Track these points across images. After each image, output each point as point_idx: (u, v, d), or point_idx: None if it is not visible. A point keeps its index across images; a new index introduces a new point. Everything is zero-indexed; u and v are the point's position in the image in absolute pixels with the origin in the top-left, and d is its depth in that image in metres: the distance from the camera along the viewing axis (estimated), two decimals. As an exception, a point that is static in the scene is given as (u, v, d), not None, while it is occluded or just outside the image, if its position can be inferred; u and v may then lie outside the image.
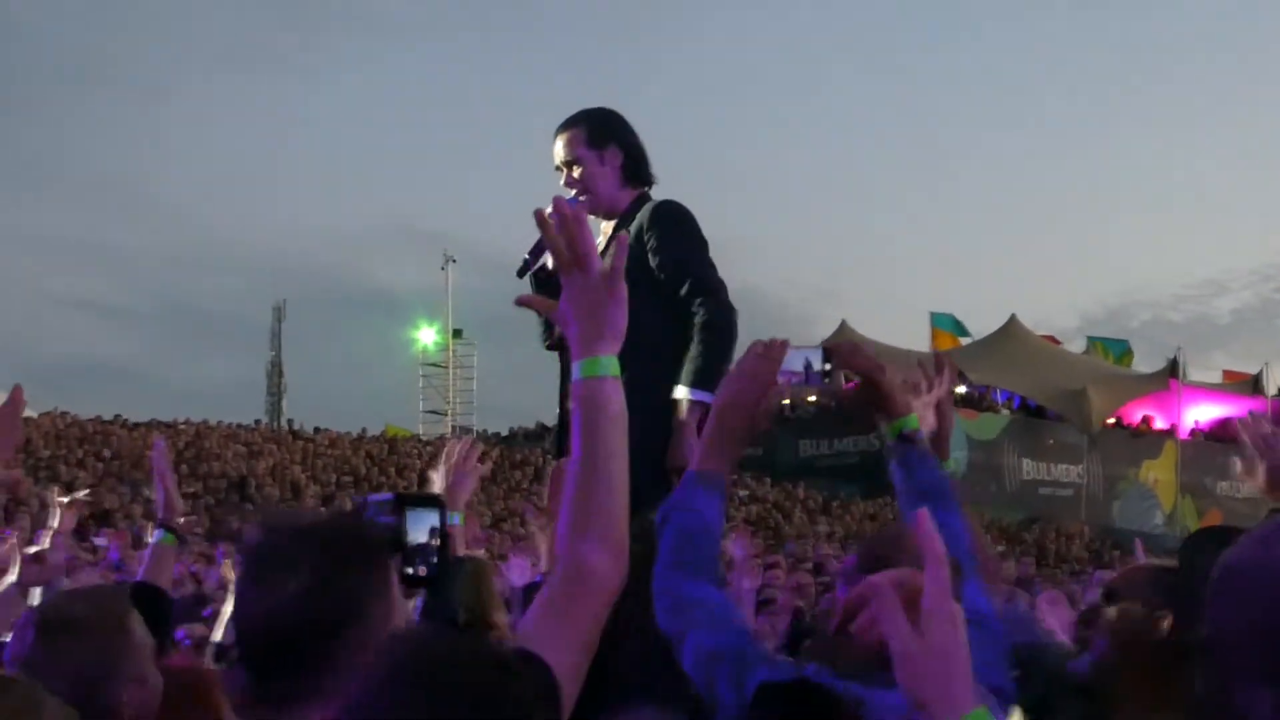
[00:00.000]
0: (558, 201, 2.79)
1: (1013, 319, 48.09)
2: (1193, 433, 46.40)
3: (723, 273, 5.07)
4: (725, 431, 3.41)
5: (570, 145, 5.16)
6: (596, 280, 2.70)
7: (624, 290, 2.72)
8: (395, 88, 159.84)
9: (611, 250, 2.74)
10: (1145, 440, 45.58)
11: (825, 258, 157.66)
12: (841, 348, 3.66)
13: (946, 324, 49.60)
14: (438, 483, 4.73)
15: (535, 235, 5.12)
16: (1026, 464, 42.03)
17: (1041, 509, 39.88)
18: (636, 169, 5.18)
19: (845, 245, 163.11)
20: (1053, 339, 52.25)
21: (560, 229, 2.71)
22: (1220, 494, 45.44)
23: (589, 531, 2.58)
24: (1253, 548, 1.94)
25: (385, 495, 3.14)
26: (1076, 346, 53.81)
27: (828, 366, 3.59)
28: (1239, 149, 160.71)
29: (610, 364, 2.69)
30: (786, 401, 3.50)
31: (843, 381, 3.66)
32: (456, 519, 4.54)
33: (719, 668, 3.10)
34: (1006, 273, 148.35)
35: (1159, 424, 46.07)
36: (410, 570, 2.98)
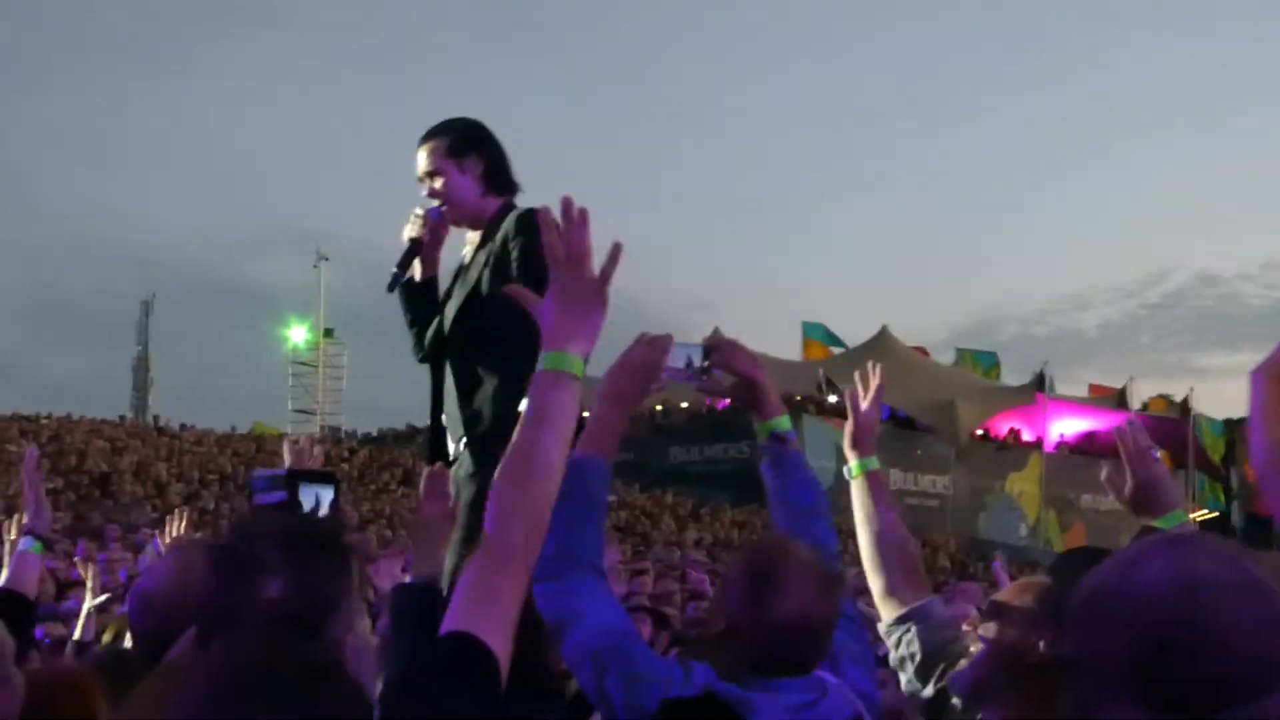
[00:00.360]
0: (565, 201, 2.79)
1: (884, 330, 48.69)
2: (1058, 446, 47.16)
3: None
4: (609, 420, 3.43)
5: (431, 156, 5.12)
6: (588, 282, 2.75)
7: (607, 298, 2.78)
8: (274, 85, 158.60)
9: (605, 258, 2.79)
10: (1011, 453, 46.25)
11: (701, 267, 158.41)
12: (721, 345, 3.71)
13: (818, 334, 50.13)
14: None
15: (401, 242, 5.08)
16: (895, 474, 42.44)
17: (908, 519, 39.58)
18: (498, 178, 5.13)
19: (721, 255, 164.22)
20: (923, 350, 52.87)
21: (562, 227, 2.75)
22: (1084, 507, 46.24)
23: (516, 516, 2.57)
24: (1120, 569, 1.95)
25: (278, 470, 3.12)
26: (946, 358, 54.52)
27: (707, 364, 3.63)
28: (1103, 166, 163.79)
29: (575, 363, 2.72)
30: (659, 408, 3.55)
31: (719, 380, 3.72)
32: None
33: (607, 661, 3.12)
34: (878, 284, 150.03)
35: (1025, 437, 46.76)
36: None
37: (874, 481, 4.16)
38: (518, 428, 2.70)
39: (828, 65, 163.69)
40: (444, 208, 5.10)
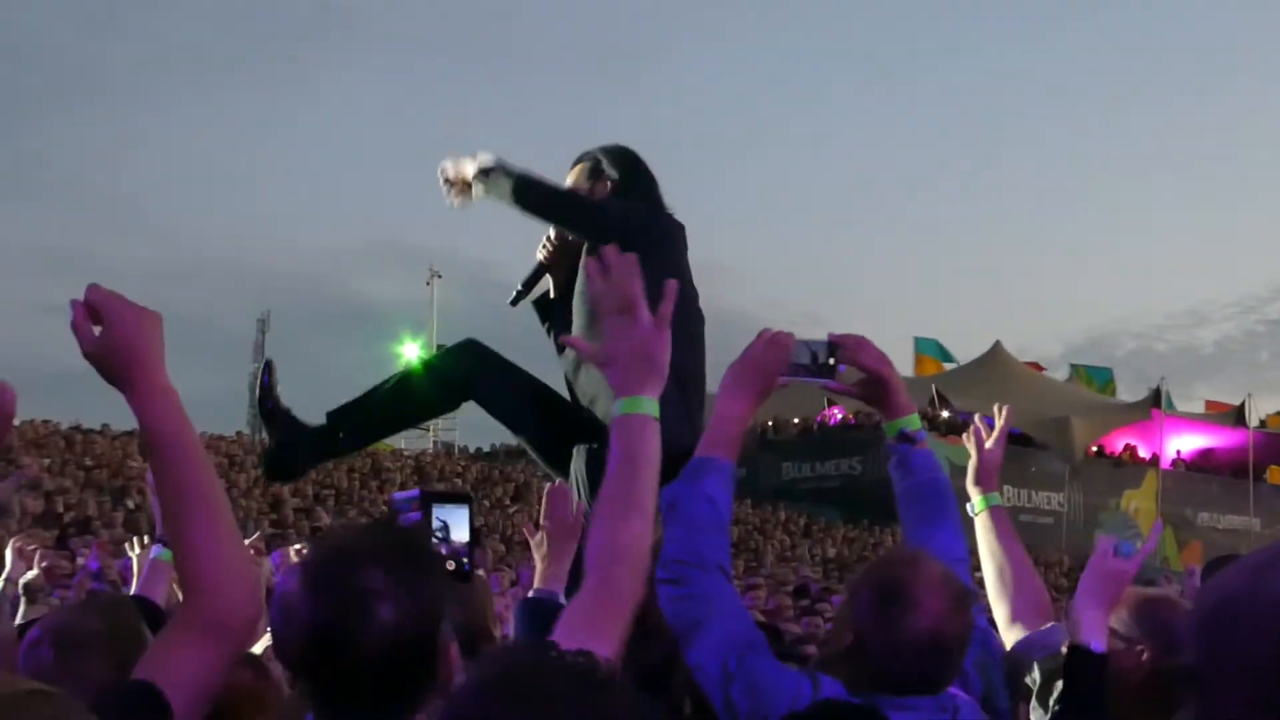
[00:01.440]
0: (609, 251, 2.84)
1: (997, 345, 48.19)
2: (1174, 463, 46.48)
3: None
4: (730, 418, 3.40)
5: (574, 179, 5.19)
6: (645, 328, 2.79)
7: (669, 337, 2.81)
8: (385, 101, 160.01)
9: (661, 300, 2.82)
10: (1127, 470, 45.61)
11: (811, 283, 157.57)
12: (847, 341, 3.58)
13: (931, 349, 49.68)
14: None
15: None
16: (1008, 491, 42.00)
17: (1022, 536, 39.35)
18: (628, 197, 5.12)
19: (832, 270, 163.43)
20: (1036, 366, 52.31)
21: (606, 276, 2.81)
22: (1201, 524, 45.55)
23: (620, 557, 2.64)
24: (1251, 574, 1.87)
25: (412, 492, 3.13)
26: (1060, 374, 53.89)
27: (833, 360, 3.54)
28: (1222, 181, 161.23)
29: (652, 405, 2.77)
30: (770, 424, 3.50)
31: (845, 378, 3.62)
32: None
33: (734, 671, 3.07)
34: (991, 299, 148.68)
35: (1141, 453, 46.12)
36: None
37: (997, 516, 4.15)
38: (609, 472, 2.75)
39: (944, 79, 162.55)
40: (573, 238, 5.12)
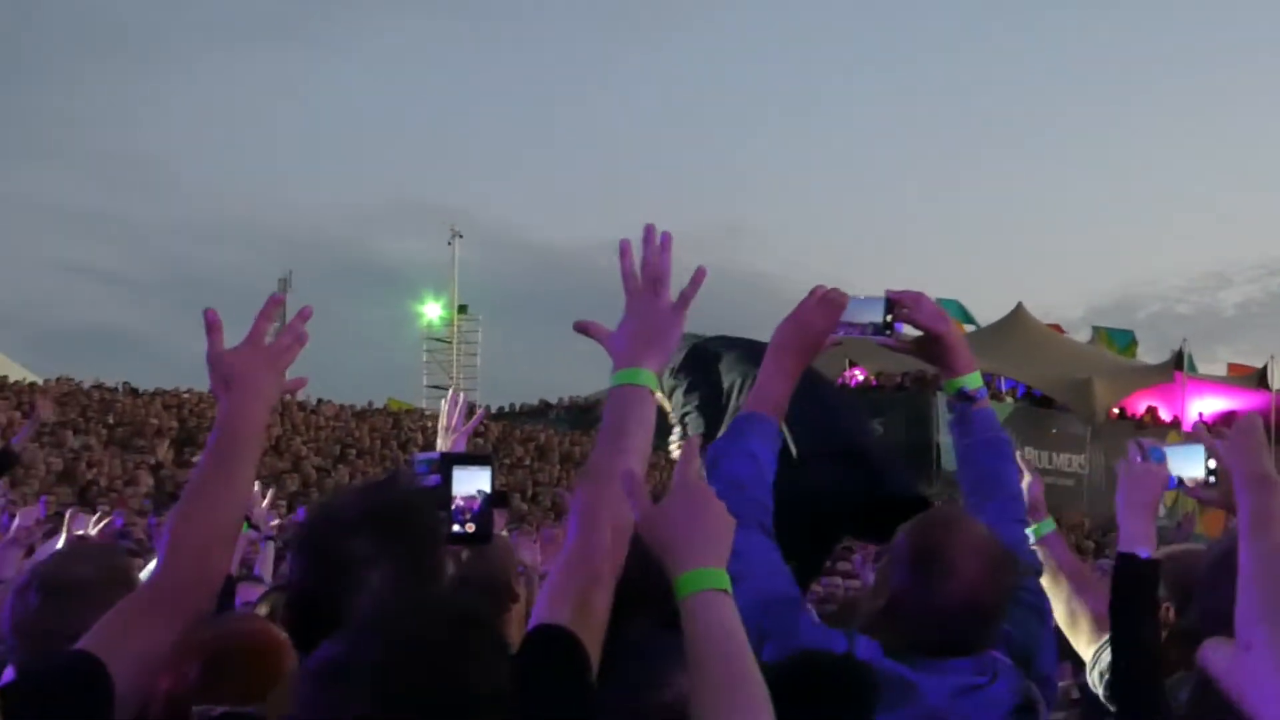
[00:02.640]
0: (648, 229, 2.85)
1: (1019, 307, 48.09)
2: (1196, 425, 46.25)
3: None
4: (779, 374, 3.34)
5: None
6: (666, 305, 2.82)
7: (683, 320, 2.84)
8: (406, 61, 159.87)
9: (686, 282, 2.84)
10: (1149, 432, 45.51)
11: (833, 244, 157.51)
12: (905, 299, 3.48)
13: (953, 311, 49.48)
14: (440, 446, 4.72)
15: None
16: (1029, 453, 41.95)
17: (1043, 498, 39.52)
18: None
19: (853, 232, 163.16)
20: (1058, 328, 52.17)
21: (644, 252, 2.83)
22: (1223, 487, 45.46)
23: (601, 520, 2.61)
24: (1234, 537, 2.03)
25: (433, 454, 3.13)
26: (1082, 336, 53.76)
27: (889, 318, 3.44)
28: (1245, 143, 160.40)
29: (650, 378, 2.77)
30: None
31: (903, 336, 3.53)
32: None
33: (769, 629, 3.00)
34: (1014, 261, 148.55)
35: (1163, 416, 46.00)
36: (458, 528, 2.98)
37: (1052, 542, 4.17)
38: (598, 439, 2.76)
39: (969, 42, 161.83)
40: None
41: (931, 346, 3.55)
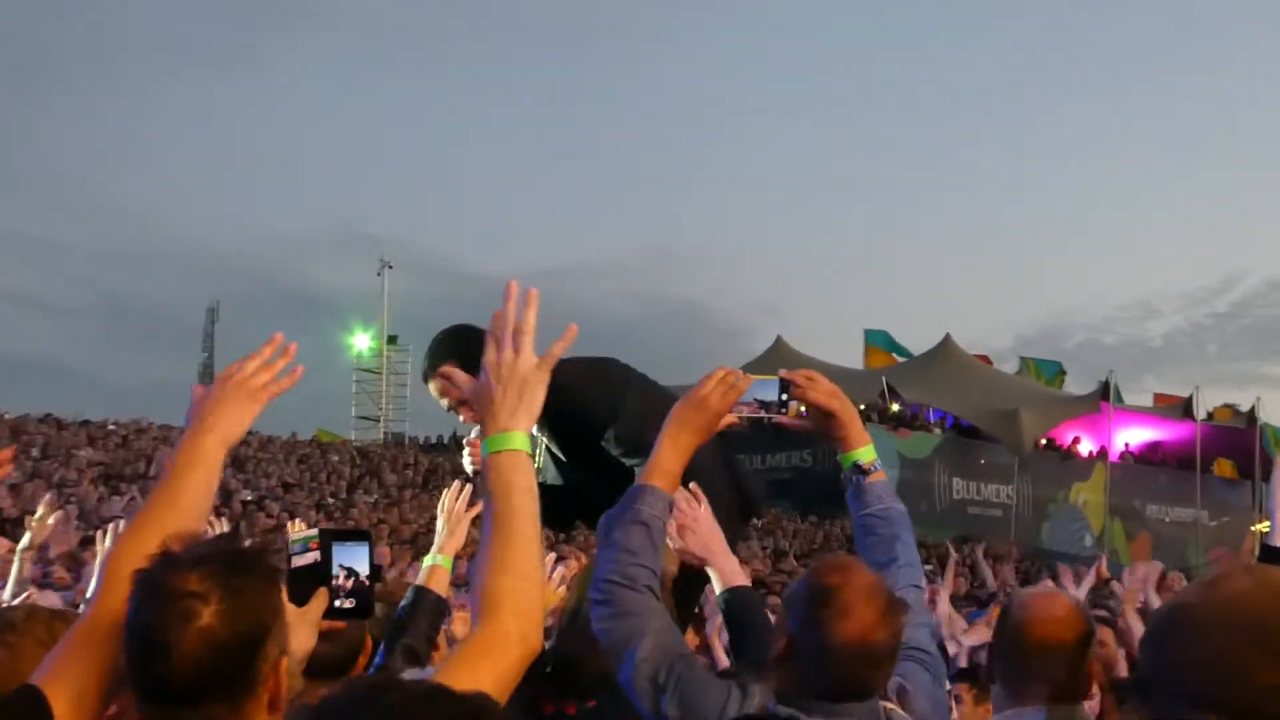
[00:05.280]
0: (510, 286, 2.85)
1: (947, 338, 48.36)
2: (1123, 455, 46.77)
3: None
4: (674, 450, 3.48)
5: (449, 390, 5.00)
6: (530, 361, 2.81)
7: (548, 378, 2.83)
8: (338, 89, 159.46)
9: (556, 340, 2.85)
10: (1075, 462, 45.88)
11: (764, 272, 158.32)
12: (798, 378, 3.63)
13: (881, 341, 49.89)
14: (438, 529, 4.72)
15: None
16: (957, 483, 42.18)
17: (971, 528, 39.75)
18: None
19: (784, 260, 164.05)
20: (986, 359, 52.54)
21: (510, 310, 2.84)
22: (1149, 517, 45.86)
23: (505, 600, 2.64)
24: (1200, 589, 2.05)
25: (310, 531, 3.15)
26: (1010, 367, 54.21)
27: (784, 396, 3.60)
28: (1170, 173, 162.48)
29: (523, 440, 2.77)
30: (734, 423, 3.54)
31: (798, 411, 3.64)
32: (439, 560, 4.56)
33: (664, 683, 3.16)
34: (942, 292, 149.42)
35: (1090, 446, 46.39)
36: (336, 603, 2.99)
37: None
38: (489, 512, 2.76)
39: (892, 70, 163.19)
40: None
41: (826, 423, 3.68)
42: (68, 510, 19.33)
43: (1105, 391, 45.49)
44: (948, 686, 4.33)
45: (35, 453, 28.51)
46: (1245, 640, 1.93)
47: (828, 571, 3.15)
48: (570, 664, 3.91)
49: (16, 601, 5.08)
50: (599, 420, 4.81)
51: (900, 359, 48.87)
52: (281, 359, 3.07)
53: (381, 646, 4.05)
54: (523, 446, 2.77)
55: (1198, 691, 1.93)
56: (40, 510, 6.77)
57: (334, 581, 3.02)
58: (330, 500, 29.14)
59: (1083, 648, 3.60)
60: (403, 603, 4.35)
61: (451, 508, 4.55)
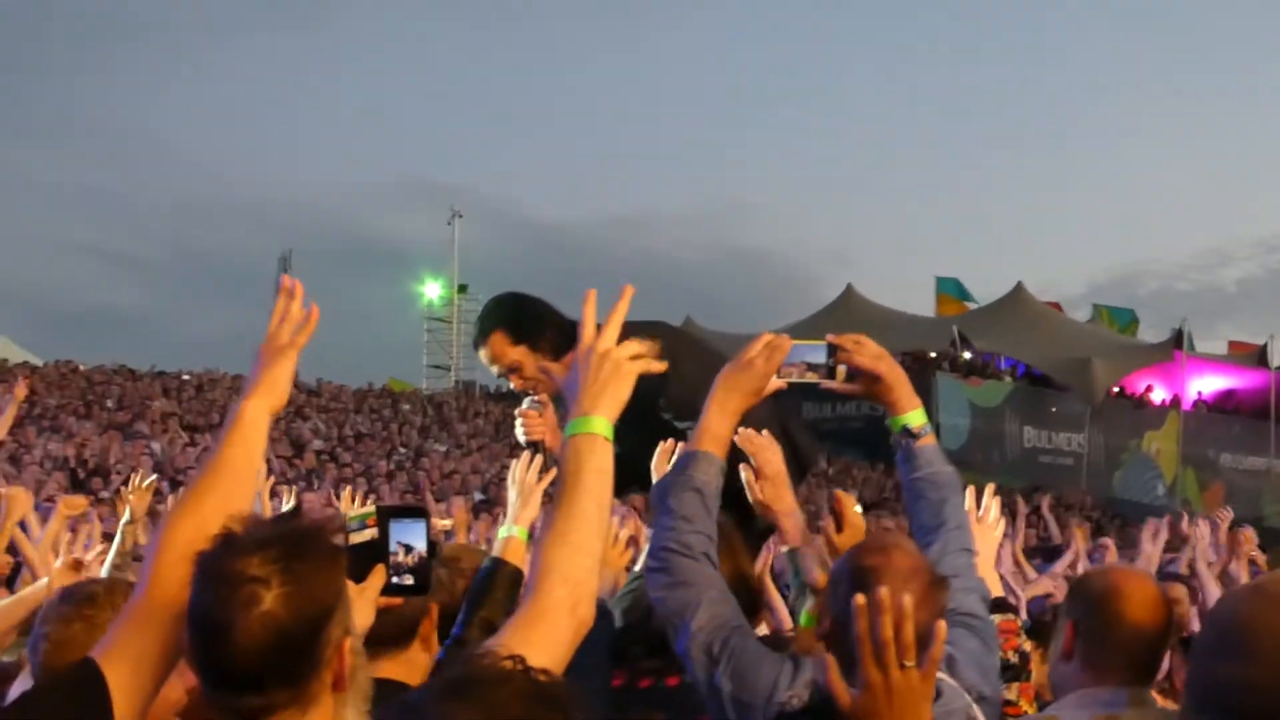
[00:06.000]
0: (589, 293, 2.94)
1: (1019, 286, 48.03)
2: (1196, 404, 46.38)
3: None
4: (723, 413, 3.51)
5: (500, 357, 5.08)
6: (621, 353, 2.91)
7: (638, 370, 2.94)
8: (408, 40, 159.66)
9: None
10: (1148, 411, 45.55)
11: (835, 221, 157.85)
12: (845, 342, 3.62)
13: (952, 289, 49.56)
14: (510, 500, 4.76)
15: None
16: (1029, 432, 42.00)
17: (1042, 477, 39.53)
18: (567, 335, 4.88)
19: (855, 209, 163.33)
20: (1058, 306, 52.13)
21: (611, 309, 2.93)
22: (1223, 465, 45.49)
23: (558, 570, 2.70)
24: (1255, 602, 2.16)
25: (367, 508, 3.17)
26: (1082, 314, 53.75)
27: (832, 361, 3.60)
28: (1245, 118, 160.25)
29: (604, 426, 2.84)
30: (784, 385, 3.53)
31: (844, 375, 3.63)
32: (515, 531, 4.60)
33: (718, 655, 3.17)
34: (1014, 239, 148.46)
35: (1163, 395, 46.04)
36: (395, 579, 3.01)
37: None
38: (559, 489, 2.82)
39: (969, 17, 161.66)
40: (540, 397, 5.12)
41: (874, 386, 3.65)
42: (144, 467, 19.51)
43: (1179, 339, 45.13)
44: (1025, 645, 4.33)
45: (110, 404, 28.81)
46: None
47: (869, 552, 3.15)
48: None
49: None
50: (651, 384, 4.80)
51: (972, 306, 48.54)
52: (296, 307, 3.06)
53: (459, 618, 4.08)
54: (602, 432, 2.82)
55: (1248, 713, 1.98)
56: (134, 480, 6.59)
57: (392, 558, 3.04)
58: (402, 449, 29.30)
59: (1169, 633, 3.57)
60: (479, 573, 4.38)
61: (523, 478, 4.56)
